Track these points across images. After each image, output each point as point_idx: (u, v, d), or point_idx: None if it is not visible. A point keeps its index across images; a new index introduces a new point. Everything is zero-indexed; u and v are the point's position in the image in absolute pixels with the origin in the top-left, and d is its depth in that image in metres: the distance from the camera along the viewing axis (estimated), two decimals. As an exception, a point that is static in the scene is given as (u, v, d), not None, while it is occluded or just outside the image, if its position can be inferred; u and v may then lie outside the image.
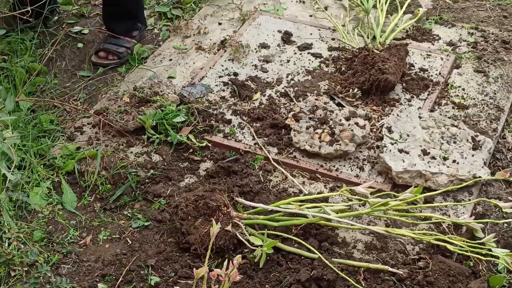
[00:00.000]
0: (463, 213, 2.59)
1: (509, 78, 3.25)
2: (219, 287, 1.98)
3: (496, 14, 3.84)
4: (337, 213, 2.47)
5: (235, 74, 3.26)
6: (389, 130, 2.83)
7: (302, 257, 2.41)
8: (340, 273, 2.31)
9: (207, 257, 2.05)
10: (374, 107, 3.04)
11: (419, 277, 2.34)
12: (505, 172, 2.49)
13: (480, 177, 2.66)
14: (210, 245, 2.07)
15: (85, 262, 2.44)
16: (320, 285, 2.31)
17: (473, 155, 2.75)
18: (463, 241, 2.42)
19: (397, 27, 3.45)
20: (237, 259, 1.97)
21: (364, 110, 2.99)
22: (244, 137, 2.92)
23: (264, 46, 3.44)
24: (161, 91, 3.02)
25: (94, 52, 3.45)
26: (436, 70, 3.26)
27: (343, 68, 3.25)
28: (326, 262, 2.32)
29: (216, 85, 3.20)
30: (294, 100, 3.07)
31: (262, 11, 3.72)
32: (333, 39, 3.49)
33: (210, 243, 2.06)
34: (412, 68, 3.28)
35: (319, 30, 3.56)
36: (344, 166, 2.78)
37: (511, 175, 2.75)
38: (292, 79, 3.22)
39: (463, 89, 3.18)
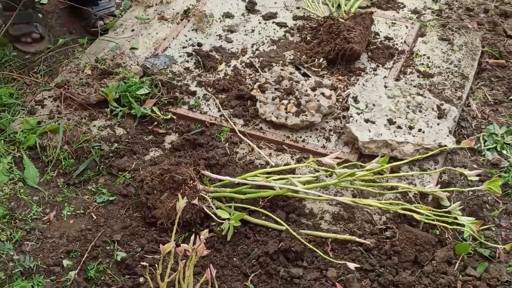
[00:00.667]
0: (429, 182, 2.60)
1: (473, 46, 3.25)
2: (186, 261, 1.96)
3: (460, -19, 3.83)
4: (304, 184, 2.46)
5: (199, 44, 3.20)
6: (355, 100, 2.81)
7: (270, 229, 2.40)
8: (307, 244, 2.31)
9: (174, 231, 2.02)
10: (340, 77, 3.02)
11: (386, 247, 2.35)
12: (470, 141, 2.50)
13: (445, 145, 2.67)
14: (176, 219, 2.04)
15: (49, 238, 2.40)
16: (287, 256, 2.31)
17: (438, 124, 2.75)
18: (429, 210, 2.43)
19: (362, -5, 3.42)
20: (204, 233, 1.95)
21: (330, 80, 2.97)
22: (210, 109, 2.88)
23: (228, 15, 3.38)
24: (124, 63, 2.96)
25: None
26: (401, 38, 3.25)
27: (308, 38, 3.22)
28: (294, 233, 2.32)
29: (180, 56, 3.14)
30: (259, 70, 3.03)
31: (225, -20, 3.66)
32: (298, 8, 3.45)
33: (177, 217, 2.03)
34: (378, 36, 3.26)
35: (283, -2, 3.52)
36: (310, 137, 2.76)
37: (475, 143, 2.79)
38: (257, 49, 3.18)
39: (428, 58, 3.17)
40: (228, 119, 2.81)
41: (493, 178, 2.45)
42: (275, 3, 3.48)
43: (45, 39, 3.30)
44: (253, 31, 3.29)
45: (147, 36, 3.29)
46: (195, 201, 2.35)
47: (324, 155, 2.56)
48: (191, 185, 2.41)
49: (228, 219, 2.33)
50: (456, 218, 2.41)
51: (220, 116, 2.83)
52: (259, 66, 3.06)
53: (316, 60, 3.05)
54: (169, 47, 3.19)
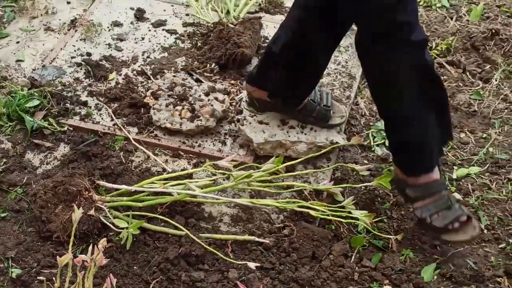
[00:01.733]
0: (323, 179, 2.67)
1: (359, 47, 3.37)
2: (85, 273, 1.93)
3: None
4: (202, 188, 2.47)
5: (88, 54, 3.15)
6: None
7: (169, 235, 2.39)
8: (208, 247, 2.32)
9: (71, 243, 1.98)
10: (233, 81, 3.05)
11: (285, 245, 2.40)
12: (359, 137, 2.59)
13: (337, 143, 2.75)
14: (73, 231, 2.00)
15: None
16: (188, 261, 2.31)
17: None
18: (325, 206, 2.49)
19: (250, 0, 3.47)
20: (102, 242, 1.92)
21: (222, 84, 2.99)
22: (102, 118, 2.84)
23: (116, 24, 3.35)
24: (10, 76, 2.87)
25: None
26: (290, 41, 3.32)
27: (199, 44, 3.24)
28: (194, 237, 2.32)
29: (69, 67, 3.08)
30: (151, 78, 3.02)
31: (112, -11, 3.62)
32: (187, 14, 3.46)
33: (73, 229, 1.99)
34: (267, 40, 3.31)
35: (172, 6, 3.51)
36: (206, 141, 2.78)
37: (365, 139, 2.89)
38: (148, 57, 3.16)
39: (317, 59, 3.26)
40: (122, 127, 2.78)
41: (383, 174, 2.55)
42: (164, 10, 3.47)
43: None
44: (143, 39, 3.27)
45: (34, 47, 3.20)
46: (92, 212, 2.32)
47: (221, 158, 2.58)
48: (87, 196, 2.37)
49: (126, 227, 2.31)
50: (350, 213, 2.49)
51: (114, 125, 2.80)
52: (151, 73, 3.04)
53: (208, 65, 3.07)
54: (57, 58, 3.12)
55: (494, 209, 2.69)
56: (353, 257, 2.43)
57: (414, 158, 2.46)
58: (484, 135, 3.00)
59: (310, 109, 2.77)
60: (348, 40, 3.39)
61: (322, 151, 2.70)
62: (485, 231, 2.61)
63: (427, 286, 2.37)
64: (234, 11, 3.37)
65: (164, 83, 2.90)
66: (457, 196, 2.71)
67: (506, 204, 2.70)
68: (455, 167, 2.82)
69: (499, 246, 2.57)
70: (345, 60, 3.27)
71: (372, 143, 2.92)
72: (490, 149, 2.92)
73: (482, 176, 2.81)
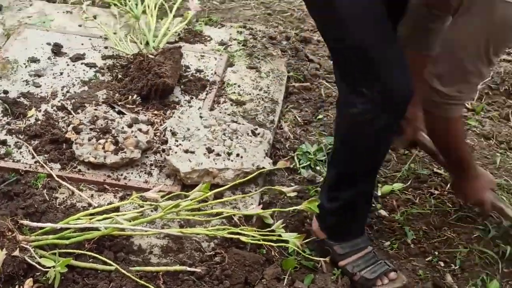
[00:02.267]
0: (252, 204, 2.68)
1: (279, 72, 3.42)
2: (11, 316, 1.86)
3: (261, 12, 4.03)
4: (130, 221, 2.43)
5: (5, 92, 3.07)
6: (173, 132, 2.84)
7: (99, 271, 2.33)
8: (139, 281, 2.29)
9: (-5, 287, 1.91)
10: (156, 112, 3.03)
11: (217, 272, 2.38)
12: (285, 161, 2.61)
13: (263, 167, 2.77)
14: (-4, 274, 1.93)
15: None
16: (120, 297, 2.27)
17: (255, 147, 2.85)
18: (255, 231, 2.49)
19: (169, 30, 3.48)
20: (28, 283, 1.86)
21: (145, 115, 2.98)
22: (23, 156, 2.76)
23: (33, 60, 3.28)
24: None
25: None
26: (212, 70, 3.34)
27: (119, 76, 3.21)
28: (124, 272, 2.28)
29: (-15, 105, 3.00)
30: (72, 112, 2.97)
31: (27, 25, 3.55)
32: (106, 47, 3.43)
33: (-4, 271, 1.93)
34: (188, 69, 3.32)
35: (90, 39, 3.47)
36: (132, 173, 2.74)
37: (291, 162, 2.93)
38: (68, 91, 3.11)
39: (239, 86, 3.29)
40: (44, 164, 2.71)
41: (309, 196, 2.58)
42: (82, 44, 3.43)
43: None
44: (61, 73, 3.22)
45: None
46: (16, 253, 2.24)
47: (148, 190, 2.54)
48: (10, 236, 2.29)
49: (53, 266, 2.24)
50: (280, 236, 2.50)
51: (35, 162, 2.73)
52: (71, 108, 2.99)
53: (130, 97, 3.05)
54: (-27, 97, 3.03)
55: (419, 223, 2.76)
56: (285, 280, 2.44)
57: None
58: (406, 152, 3.08)
59: None
60: (269, 66, 3.44)
61: (249, 177, 2.71)
62: (412, 245, 2.68)
63: (359, 303, 2.40)
64: (154, 41, 3.37)
65: (85, 117, 2.86)
66: (383, 213, 2.77)
67: (430, 217, 2.78)
68: (379, 185, 2.89)
69: (426, 259, 2.63)
70: (266, 85, 3.31)
71: (298, 166, 2.96)
72: (412, 165, 3.01)
73: (406, 192, 2.88)
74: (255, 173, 2.72)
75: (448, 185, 2.89)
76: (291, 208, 2.56)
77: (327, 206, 2.46)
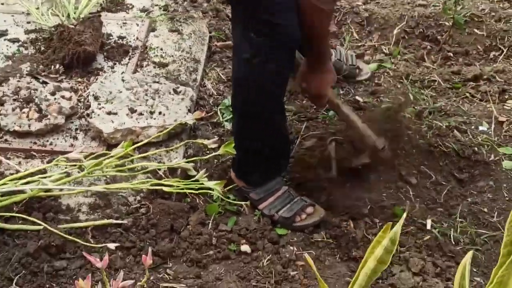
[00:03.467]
0: (176, 158, 2.78)
1: (201, 33, 3.52)
2: None
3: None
4: (56, 182, 2.52)
5: None
6: (95, 97, 2.92)
7: (28, 231, 2.43)
8: (68, 236, 2.38)
9: None
10: (79, 79, 3.11)
11: (143, 222, 2.50)
12: (200, 111, 2.73)
13: (186, 123, 2.87)
14: None
15: None
16: (49, 252, 2.36)
17: (177, 104, 2.95)
18: (179, 181, 2.60)
19: (90, 1, 3.54)
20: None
21: (69, 83, 3.05)
22: (-50, 131, 2.83)
23: (-44, 39, 3.33)
24: None
25: None
26: (134, 36, 3.42)
27: (42, 48, 3.27)
28: (51, 229, 2.37)
29: None
30: (-4, 86, 3.03)
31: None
32: (28, 22, 3.48)
33: None
34: (111, 37, 3.40)
35: (12, 16, 3.52)
36: (58, 139, 2.83)
37: (215, 116, 3.04)
38: (-9, 68, 3.17)
39: (161, 49, 3.37)
40: (-30, 137, 2.78)
41: (227, 142, 2.69)
42: (5, 21, 3.48)
43: None
44: (-16, 51, 3.27)
45: None
46: None
47: (74, 153, 2.63)
48: None
49: (-18, 229, 2.33)
50: (203, 184, 2.62)
51: (-39, 136, 2.80)
52: (-5, 82, 3.06)
53: (53, 67, 3.12)
54: None
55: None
56: (210, 224, 2.56)
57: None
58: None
59: (339, 68, 3.14)
60: (190, 27, 3.53)
61: (168, 129, 2.77)
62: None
63: (281, 239, 2.54)
64: (75, 13, 3.43)
65: (8, 89, 2.93)
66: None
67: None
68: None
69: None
70: (188, 46, 3.41)
71: (221, 119, 3.07)
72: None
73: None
74: (176, 126, 2.80)
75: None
76: (211, 155, 2.66)
77: (237, 155, 2.59)
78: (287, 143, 2.69)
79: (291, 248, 2.48)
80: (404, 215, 1.63)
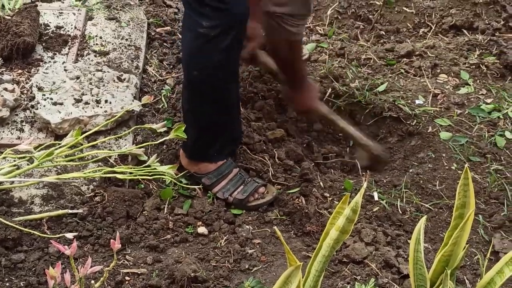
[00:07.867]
0: (126, 145, 2.80)
1: (139, 19, 3.52)
2: None
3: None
4: (6, 175, 2.50)
5: None
6: (39, 88, 2.90)
7: (-18, 227, 2.41)
8: (23, 229, 2.37)
9: None
10: (20, 71, 3.07)
11: (98, 211, 2.51)
12: (149, 96, 2.74)
13: (132, 110, 2.88)
14: None
15: None
16: (6, 246, 2.35)
17: (123, 92, 2.95)
18: (131, 168, 2.62)
19: (24, -8, 3.48)
20: None
21: (10, 75, 3.01)
22: None
23: None
24: None
25: None
26: (71, 25, 3.39)
27: (-21, 41, 3.21)
28: (6, 222, 2.36)
29: None
30: None
31: None
32: (-40, 15, 3.40)
33: None
34: (48, 27, 3.36)
35: None
36: (3, 132, 2.79)
37: (159, 102, 3.06)
38: None
39: (101, 37, 3.35)
40: None
41: (177, 127, 2.71)
42: None
43: None
44: None
45: None
46: None
47: (21, 145, 2.61)
48: None
49: None
50: (155, 169, 2.64)
51: None
52: None
53: (-9, 60, 3.07)
54: None
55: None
56: (165, 209, 2.60)
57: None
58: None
59: None
60: (128, 15, 3.52)
61: (117, 117, 2.77)
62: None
63: (236, 219, 2.60)
64: (9, 4, 3.37)
65: None
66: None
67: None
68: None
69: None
70: (128, 33, 3.40)
71: (166, 106, 3.09)
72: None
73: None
74: (123, 114, 2.80)
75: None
76: (161, 140, 2.68)
77: (191, 135, 2.62)
78: (231, 127, 2.75)
79: (247, 227, 2.55)
80: (365, 184, 1.71)
